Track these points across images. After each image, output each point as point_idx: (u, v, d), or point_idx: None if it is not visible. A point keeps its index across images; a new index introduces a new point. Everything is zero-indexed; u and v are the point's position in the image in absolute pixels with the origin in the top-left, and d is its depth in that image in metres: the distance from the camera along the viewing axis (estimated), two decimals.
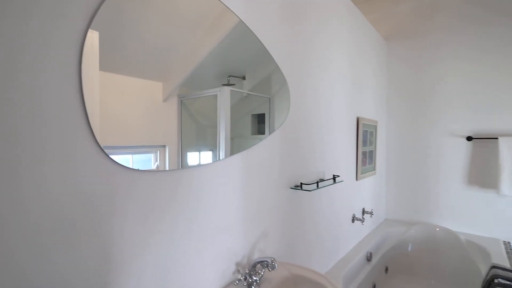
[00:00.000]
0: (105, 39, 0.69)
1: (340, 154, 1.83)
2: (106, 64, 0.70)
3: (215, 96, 1.06)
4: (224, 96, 1.08)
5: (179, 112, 0.89)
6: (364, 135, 2.19)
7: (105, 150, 0.67)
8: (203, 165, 0.91)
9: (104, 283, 0.65)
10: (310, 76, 1.47)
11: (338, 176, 1.59)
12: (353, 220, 2.05)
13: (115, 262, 0.67)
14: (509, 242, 2.17)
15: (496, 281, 1.52)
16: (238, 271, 1.00)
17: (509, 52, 2.17)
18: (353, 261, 1.84)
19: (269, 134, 1.20)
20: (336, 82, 1.74)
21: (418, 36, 2.56)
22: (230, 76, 1.10)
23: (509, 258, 1.88)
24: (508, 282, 1.50)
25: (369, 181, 2.36)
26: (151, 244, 0.75)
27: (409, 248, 2.43)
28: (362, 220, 2.03)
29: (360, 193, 2.19)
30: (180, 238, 0.83)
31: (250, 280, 0.96)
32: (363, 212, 2.22)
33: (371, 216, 2.33)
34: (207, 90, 1.03)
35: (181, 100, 0.90)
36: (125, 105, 0.75)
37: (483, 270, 1.85)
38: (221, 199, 0.97)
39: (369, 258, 2.03)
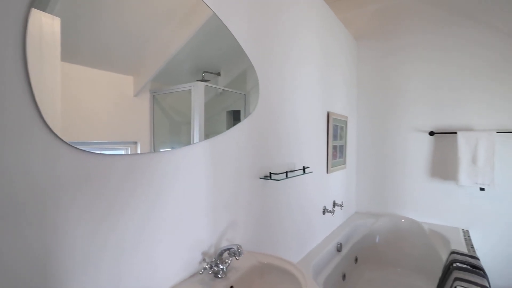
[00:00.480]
0: (68, 27, 0.65)
1: (311, 147, 1.86)
2: (69, 54, 0.65)
3: (189, 91, 1.04)
4: (198, 92, 1.06)
5: (151, 107, 0.86)
6: (335, 129, 2.24)
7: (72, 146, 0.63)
8: (168, 150, 0.88)
9: (48, 274, 0.60)
10: (282, 71, 1.48)
11: (308, 167, 1.61)
12: (324, 212, 2.09)
13: (60, 250, 0.62)
14: (467, 230, 2.32)
15: (454, 265, 1.62)
16: (204, 260, 0.98)
17: (466, 51, 2.32)
18: (324, 251, 1.88)
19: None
20: (307, 77, 1.77)
21: (386, 36, 2.67)
22: (204, 71, 1.08)
23: (466, 244, 2.01)
24: (465, 266, 1.60)
25: (339, 175, 2.42)
26: (104, 233, 0.71)
27: (377, 239, 2.53)
28: (332, 212, 2.08)
29: (331, 186, 2.24)
30: (140, 227, 0.79)
31: (216, 269, 0.94)
32: (334, 204, 2.27)
33: (341, 208, 2.40)
34: (180, 85, 1.00)
35: (153, 95, 0.86)
36: (92, 98, 0.71)
37: (444, 256, 1.96)
38: (187, 187, 0.94)
39: (339, 249, 2.08)
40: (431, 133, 2.46)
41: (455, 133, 2.32)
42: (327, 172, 2.13)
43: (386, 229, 2.55)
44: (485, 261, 2.23)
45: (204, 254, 1.00)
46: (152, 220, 0.82)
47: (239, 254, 0.92)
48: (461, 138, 2.27)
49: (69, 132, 0.65)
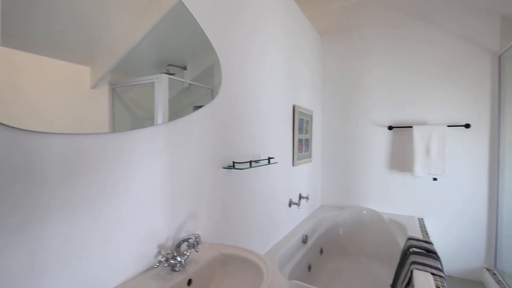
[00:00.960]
0: (11, 9, 0.58)
1: (277, 139, 1.85)
2: (11, 40, 0.58)
3: (152, 84, 0.97)
4: (162, 85, 1.00)
5: (110, 101, 0.79)
6: (300, 123, 2.26)
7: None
8: (119, 132, 0.80)
9: None
10: (247, 62, 1.44)
11: (273, 158, 1.59)
12: (290, 205, 2.09)
13: None
14: (422, 218, 2.48)
15: (411, 250, 1.70)
16: (159, 252, 0.91)
17: (420, 51, 2.47)
18: (290, 243, 1.88)
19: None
20: (273, 70, 1.76)
21: (349, 34, 2.76)
22: (169, 65, 1.02)
23: (421, 231, 2.13)
24: (420, 250, 1.69)
25: (305, 168, 2.45)
26: (42, 224, 0.61)
27: (341, 230, 2.60)
28: (298, 204, 2.09)
29: (297, 178, 2.25)
30: (85, 217, 0.70)
31: (173, 262, 0.88)
32: (300, 197, 2.29)
33: (307, 201, 2.42)
34: (142, 78, 0.94)
35: (113, 88, 0.80)
36: (42, 89, 0.63)
37: (402, 242, 2.06)
38: (142, 174, 0.86)
39: (305, 241, 2.10)
40: (390, 128, 2.59)
41: (411, 127, 2.46)
42: (293, 165, 2.14)
43: (349, 221, 2.63)
44: (438, 245, 2.39)
45: (161, 246, 0.93)
46: (100, 210, 0.74)
47: (197, 244, 0.87)
48: (416, 132, 2.41)
49: (9, 119, 0.57)
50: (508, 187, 2.19)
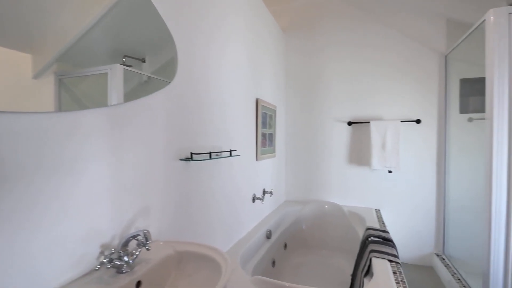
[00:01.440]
0: None
1: (240, 132, 1.79)
2: None
3: (105, 76, 0.88)
4: (116, 76, 0.90)
5: (57, 93, 0.71)
6: (264, 117, 2.23)
7: None
8: (48, 112, 0.68)
9: None
10: (209, 54, 1.36)
11: (235, 150, 1.53)
12: (253, 200, 2.05)
13: None
14: (379, 209, 2.59)
15: (369, 239, 1.75)
16: (102, 253, 0.80)
17: (377, 51, 2.58)
18: (253, 239, 1.84)
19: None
20: (236, 64, 1.70)
21: (311, 31, 2.80)
22: (126, 56, 0.93)
23: (379, 221, 2.22)
24: (378, 239, 1.75)
25: (269, 163, 2.43)
26: None
27: (304, 224, 2.63)
28: (262, 200, 2.05)
29: (261, 173, 2.22)
30: (10, 215, 0.58)
31: (119, 263, 0.78)
32: (264, 192, 2.26)
33: (270, 196, 2.40)
34: (94, 68, 0.84)
35: (59, 79, 0.72)
36: None
37: (361, 233, 2.12)
38: (82, 166, 0.75)
39: (269, 236, 2.07)
40: (349, 123, 2.67)
41: (369, 122, 2.57)
42: (256, 160, 2.10)
43: (312, 215, 2.67)
44: (393, 234, 2.52)
45: (105, 246, 0.82)
46: (27, 205, 0.61)
47: (146, 241, 0.78)
48: (373, 127, 2.52)
49: None
50: (453, 178, 2.38)
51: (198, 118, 1.31)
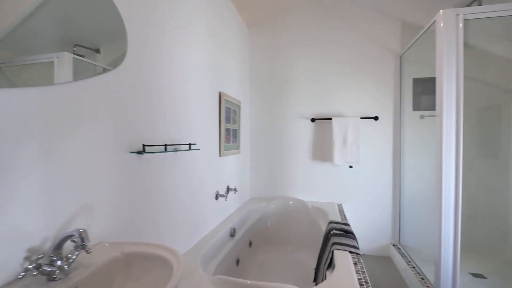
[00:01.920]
0: None
1: (202, 126, 1.71)
2: None
3: (51, 64, 0.79)
4: (64, 66, 0.81)
5: None
6: (227, 112, 2.17)
7: None
8: None
9: None
10: (163, 42, 1.26)
11: (195, 144, 1.45)
12: (217, 197, 1.97)
13: None
14: (341, 204, 2.66)
15: (332, 232, 1.77)
16: (27, 258, 0.68)
17: (338, 49, 2.65)
18: (216, 237, 1.76)
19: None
20: (196, 55, 1.61)
21: (275, 27, 2.79)
22: (77, 45, 0.85)
23: (340, 215, 2.27)
24: (340, 231, 1.78)
25: (233, 159, 2.37)
26: None
27: (269, 221, 2.61)
28: (225, 197, 1.99)
29: (224, 170, 2.15)
30: None
31: (49, 269, 0.66)
32: (228, 189, 2.20)
33: (235, 193, 2.34)
34: (38, 56, 0.76)
35: None
36: None
37: (324, 227, 2.15)
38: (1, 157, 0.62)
39: (233, 234, 2.01)
40: (313, 120, 2.71)
41: (331, 119, 2.62)
42: (220, 156, 2.03)
43: (277, 211, 2.66)
44: (354, 227, 2.60)
45: (33, 250, 0.70)
46: None
47: (82, 242, 0.67)
48: (335, 123, 2.58)
49: None
50: (408, 172, 2.52)
51: (153, 109, 1.20)
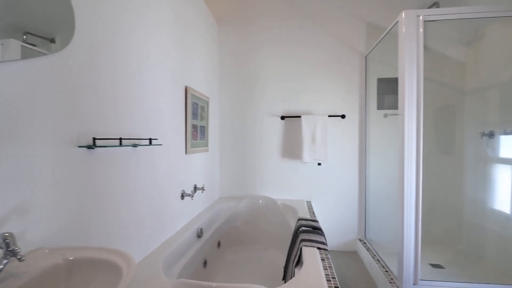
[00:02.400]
0: None
1: (165, 120, 1.61)
2: None
3: None
4: (10, 54, 0.73)
5: None
6: (195, 107, 2.08)
7: None
8: None
9: None
10: (119, 24, 1.15)
11: (156, 139, 1.35)
12: (182, 197, 1.88)
13: None
14: (310, 201, 2.68)
15: (300, 229, 1.77)
16: None
17: (307, 48, 2.67)
18: (182, 239, 1.67)
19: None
20: (158, 45, 1.51)
21: (245, 23, 2.74)
22: (27, 33, 0.78)
23: (309, 212, 2.28)
24: (308, 228, 1.78)
25: (201, 157, 2.28)
26: None
27: (238, 221, 2.56)
28: (191, 196, 1.90)
29: (191, 168, 2.05)
30: None
31: None
32: (195, 188, 2.11)
33: (202, 192, 2.26)
34: None
35: None
36: None
37: (294, 224, 2.14)
38: None
39: (200, 235, 1.93)
40: (282, 118, 2.70)
41: (300, 117, 2.63)
42: (186, 153, 1.93)
43: (246, 210, 2.61)
44: (323, 223, 2.64)
45: None
46: None
47: (7, 248, 0.57)
48: (304, 121, 2.59)
49: None
50: (373, 168, 2.61)
51: (106, 100, 1.09)
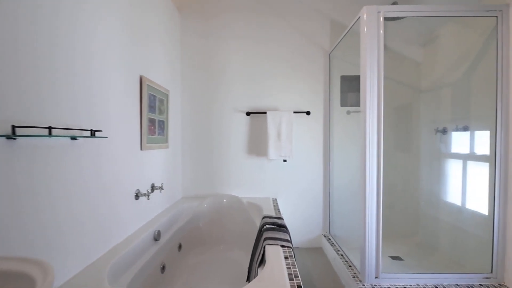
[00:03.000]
0: None
1: (115, 111, 1.44)
2: None
3: None
4: None
5: None
6: (152, 100, 1.92)
7: None
8: None
9: None
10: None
11: (100, 131, 1.19)
12: (137, 197, 1.72)
13: None
14: (275, 198, 2.63)
15: (265, 227, 1.70)
16: None
17: (273, 43, 2.62)
18: (134, 243, 1.52)
19: None
20: (104, 24, 1.34)
21: (209, 15, 2.63)
22: None
23: (275, 209, 2.23)
24: (272, 226, 1.72)
25: (160, 154, 2.12)
26: None
27: (201, 221, 2.43)
28: (147, 196, 1.74)
29: (148, 165, 1.89)
30: None
31: None
32: (153, 188, 1.95)
33: (161, 192, 2.10)
34: None
35: None
36: None
37: (259, 223, 2.07)
38: None
39: (157, 238, 1.78)
40: (248, 113, 2.63)
41: (265, 113, 2.58)
42: (141, 149, 1.77)
43: (210, 210, 2.50)
44: (288, 220, 2.61)
45: None
46: None
47: None
48: (270, 117, 2.54)
49: None
50: (337, 165, 2.64)
51: (31, 80, 0.93)
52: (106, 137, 1.22)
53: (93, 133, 1.13)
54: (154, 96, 1.96)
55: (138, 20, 1.72)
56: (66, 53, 1.07)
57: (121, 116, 1.52)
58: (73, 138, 1.06)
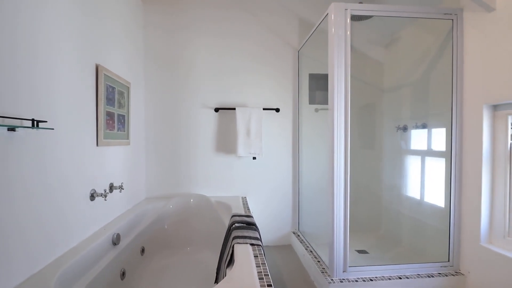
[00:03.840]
0: None
1: (65, 101, 1.29)
2: None
3: None
4: None
5: None
6: (110, 91, 1.76)
7: None
8: None
9: None
10: None
11: (45, 122, 1.05)
12: (93, 197, 1.56)
13: None
14: (245, 197, 2.58)
15: (234, 225, 1.64)
16: None
17: (242, 39, 2.57)
18: (88, 248, 1.37)
19: None
20: (55, 4, 1.19)
21: (176, 7, 2.50)
22: None
23: (244, 208, 2.18)
24: (242, 224, 1.66)
25: (120, 151, 1.96)
26: None
27: (166, 222, 2.30)
28: (104, 196, 1.59)
29: (105, 163, 1.73)
30: None
31: None
32: (111, 187, 1.79)
33: (120, 191, 1.94)
34: None
35: None
36: None
37: (228, 222, 2.00)
38: None
39: (116, 242, 1.63)
40: (216, 110, 2.54)
41: (234, 109, 2.52)
42: (97, 145, 1.62)
43: (176, 211, 2.37)
44: (258, 219, 2.57)
45: None
46: None
47: None
48: (239, 113, 2.49)
49: None
50: (305, 162, 2.65)
51: None
52: (53, 129, 1.07)
53: (35, 123, 0.98)
54: (113, 88, 1.81)
55: (93, 4, 1.56)
56: (6, 35, 0.92)
57: (73, 106, 1.36)
58: (11, 129, 0.92)
